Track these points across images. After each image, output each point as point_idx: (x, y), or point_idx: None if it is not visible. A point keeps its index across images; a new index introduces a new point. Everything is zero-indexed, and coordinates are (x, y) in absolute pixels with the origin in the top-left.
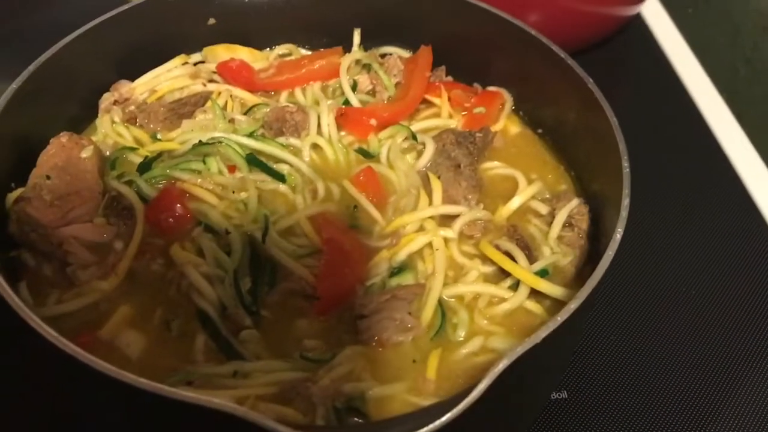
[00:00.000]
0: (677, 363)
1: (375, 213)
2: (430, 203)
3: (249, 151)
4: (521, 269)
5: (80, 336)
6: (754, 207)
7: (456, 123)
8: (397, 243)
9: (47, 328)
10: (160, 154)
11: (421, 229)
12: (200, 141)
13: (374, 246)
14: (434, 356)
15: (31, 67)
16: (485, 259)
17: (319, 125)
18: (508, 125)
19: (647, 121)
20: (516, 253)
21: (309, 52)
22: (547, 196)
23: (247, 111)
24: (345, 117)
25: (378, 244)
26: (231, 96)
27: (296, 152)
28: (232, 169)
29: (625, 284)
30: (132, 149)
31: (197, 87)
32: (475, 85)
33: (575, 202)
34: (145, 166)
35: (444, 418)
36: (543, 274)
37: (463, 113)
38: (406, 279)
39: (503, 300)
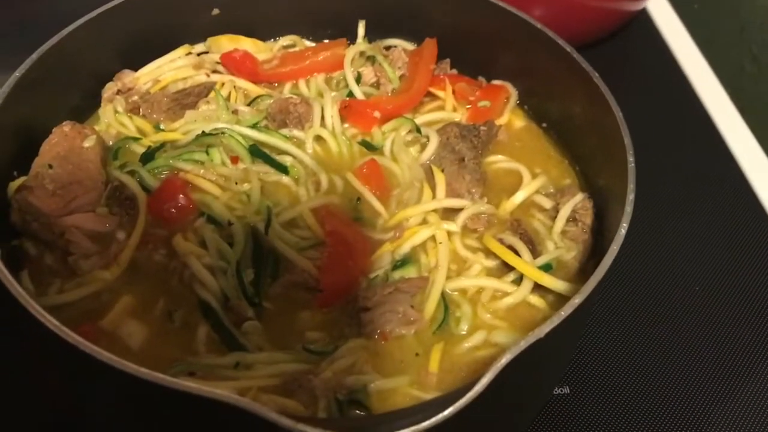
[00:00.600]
0: (680, 358)
1: (378, 206)
2: (434, 196)
3: (252, 142)
4: (525, 263)
5: (82, 326)
6: (758, 203)
7: (460, 116)
8: (401, 236)
9: (49, 318)
10: (162, 145)
11: (424, 222)
12: (203, 132)
13: (377, 239)
14: (437, 350)
15: (34, 56)
16: (488, 253)
17: (322, 117)
18: (512, 119)
19: (652, 116)
20: (519, 248)
21: (313, 44)
22: (552, 190)
23: (251, 102)
24: (349, 109)
25: (381, 236)
26: (234, 87)
27: (299, 144)
28: (235, 160)
29: (628, 279)
30: (135, 139)
31: (201, 77)
32: (480, 78)
33: (579, 196)
34: (148, 157)
35: (446, 412)
36: (546, 268)
37: (468, 106)
38: (409, 272)
39: (506, 294)
